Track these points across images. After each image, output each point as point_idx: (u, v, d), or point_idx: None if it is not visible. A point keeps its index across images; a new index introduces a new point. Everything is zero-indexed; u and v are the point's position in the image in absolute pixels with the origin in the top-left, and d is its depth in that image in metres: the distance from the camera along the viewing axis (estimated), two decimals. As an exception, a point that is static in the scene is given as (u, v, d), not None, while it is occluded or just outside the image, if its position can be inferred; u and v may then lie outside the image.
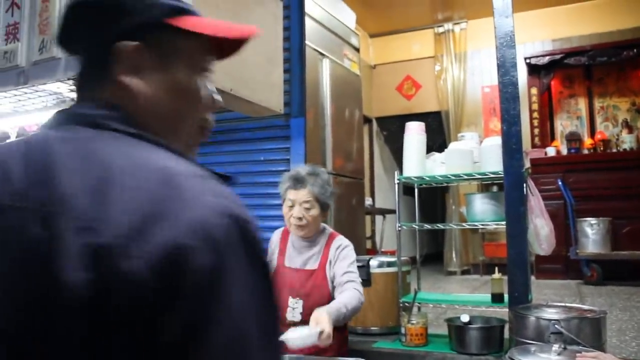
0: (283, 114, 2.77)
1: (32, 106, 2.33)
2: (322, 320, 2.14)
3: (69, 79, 1.84)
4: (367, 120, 8.29)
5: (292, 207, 2.61)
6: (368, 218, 7.06)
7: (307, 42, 4.33)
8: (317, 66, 4.67)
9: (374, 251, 6.86)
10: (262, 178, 4.22)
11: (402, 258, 3.86)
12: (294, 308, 2.53)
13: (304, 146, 4.04)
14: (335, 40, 5.19)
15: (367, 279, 3.83)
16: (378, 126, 9.08)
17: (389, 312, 3.89)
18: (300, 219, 2.59)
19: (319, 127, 4.65)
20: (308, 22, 4.41)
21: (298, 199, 2.60)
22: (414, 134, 3.74)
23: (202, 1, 1.83)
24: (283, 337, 2.02)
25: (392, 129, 8.92)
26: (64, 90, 2.03)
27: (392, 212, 6.97)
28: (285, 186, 2.66)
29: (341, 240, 2.74)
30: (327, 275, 2.63)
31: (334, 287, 2.60)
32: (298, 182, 2.61)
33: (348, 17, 5.59)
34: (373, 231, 7.62)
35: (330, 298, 2.57)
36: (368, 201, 6.64)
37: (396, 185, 3.81)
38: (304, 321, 2.44)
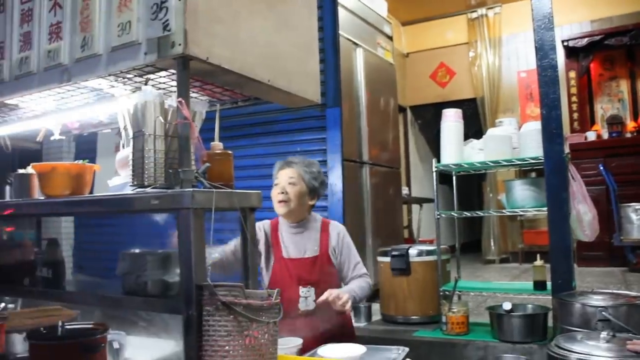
0: (319, 104, 2.76)
1: (74, 103, 2.38)
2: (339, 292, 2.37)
3: (109, 75, 1.87)
4: (401, 109, 8.22)
5: (277, 184, 2.64)
6: (404, 208, 7.02)
7: (340, 31, 4.31)
8: (350, 56, 4.65)
9: (411, 240, 6.82)
10: (299, 169, 4.23)
11: (441, 246, 3.83)
12: (306, 297, 2.53)
13: (340, 136, 4.04)
14: (368, 29, 5.15)
15: (406, 268, 3.82)
16: (412, 115, 8.99)
17: (429, 301, 3.87)
18: (282, 193, 2.60)
19: (354, 116, 4.64)
20: (341, 11, 4.40)
21: (284, 176, 2.64)
22: (451, 121, 3.69)
23: (237, -7, 1.83)
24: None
25: (426, 118, 8.83)
26: (104, 86, 2.07)
27: (429, 201, 6.92)
28: (276, 169, 2.71)
29: (338, 225, 2.76)
30: (333, 261, 2.65)
31: (342, 276, 2.67)
32: (286, 163, 2.69)
33: (380, 6, 5.55)
34: (409, 220, 7.57)
35: (339, 282, 2.64)
36: (404, 190, 6.60)
37: (434, 173, 3.77)
38: (318, 309, 2.51)
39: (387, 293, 4.03)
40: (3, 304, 2.70)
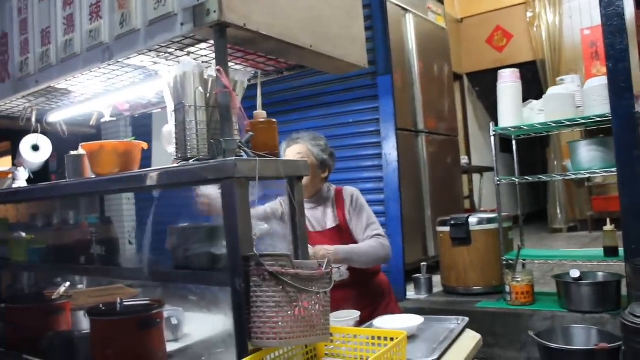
0: (369, 72, 2.69)
1: (121, 84, 2.39)
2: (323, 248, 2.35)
3: (150, 51, 1.86)
4: (457, 77, 7.98)
5: None
6: (465, 178, 6.83)
7: (387, -3, 4.18)
8: (400, 22, 4.51)
9: (472, 211, 6.64)
10: (352, 140, 4.17)
11: (503, 214, 3.68)
12: (339, 267, 2.49)
13: (393, 104, 3.93)
14: (418, -6, 4.98)
15: (466, 237, 3.70)
16: (469, 82, 8.71)
17: (491, 270, 3.75)
18: None
19: (408, 85, 4.51)
20: (387, -24, 4.25)
21: (292, 153, 2.61)
22: (508, 82, 3.52)
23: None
24: None
25: (484, 84, 8.53)
26: (147, 63, 2.06)
27: (490, 169, 6.71)
28: (283, 148, 2.67)
29: (349, 190, 2.70)
30: (350, 228, 2.63)
31: (356, 238, 2.62)
32: (293, 140, 2.67)
33: (430, -31, 5.35)
34: (470, 190, 7.37)
35: None
36: (464, 160, 6.42)
37: (492, 138, 3.61)
38: (353, 279, 2.52)
39: (447, 264, 3.93)
40: (68, 283, 2.79)
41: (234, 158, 1.43)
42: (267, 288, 1.41)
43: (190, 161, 1.55)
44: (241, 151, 1.53)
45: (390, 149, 4.07)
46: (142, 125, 4.80)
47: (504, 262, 3.55)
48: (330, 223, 2.65)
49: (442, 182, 4.93)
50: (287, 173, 1.63)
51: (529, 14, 7.89)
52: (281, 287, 1.41)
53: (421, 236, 4.59)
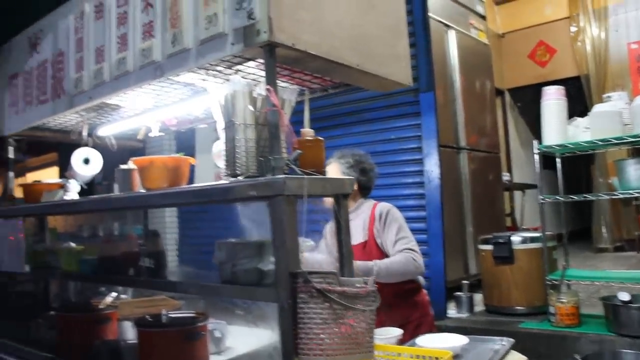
0: (412, 89, 2.69)
1: (169, 100, 2.46)
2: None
3: (199, 68, 1.91)
4: (498, 92, 7.88)
5: None
6: (506, 195, 6.73)
7: (430, 14, 4.18)
8: (442, 38, 4.50)
9: (514, 228, 6.52)
10: (394, 157, 4.16)
11: (547, 233, 3.61)
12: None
13: (436, 121, 3.92)
14: (460, 10, 4.97)
15: (509, 256, 3.65)
16: (511, 98, 8.60)
17: (535, 290, 3.67)
18: None
19: (449, 101, 4.49)
20: (429, -8, 4.26)
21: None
22: (553, 99, 3.46)
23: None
24: None
25: (526, 100, 8.40)
26: (196, 80, 2.11)
27: (532, 187, 6.59)
28: None
29: (382, 206, 2.70)
30: (378, 245, 2.62)
31: (386, 254, 2.60)
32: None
33: (471, -15, 5.33)
34: (512, 208, 7.25)
35: None
36: (506, 176, 6.32)
37: (536, 156, 3.56)
38: (385, 295, 2.47)
39: (489, 282, 3.87)
40: (115, 294, 2.86)
41: (283, 176, 1.46)
42: (315, 305, 1.42)
43: (239, 178, 1.58)
44: (289, 169, 1.55)
45: (432, 166, 4.05)
46: (186, 139, 4.89)
47: (548, 283, 3.47)
48: (359, 238, 2.65)
49: (484, 199, 4.87)
50: (333, 191, 1.65)
51: (573, 28, 7.76)
52: (328, 304, 1.42)
53: (462, 254, 4.54)
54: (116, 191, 2.51)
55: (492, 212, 5.14)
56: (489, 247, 3.81)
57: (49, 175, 9.47)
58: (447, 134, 4.34)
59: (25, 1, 3.81)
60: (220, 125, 1.75)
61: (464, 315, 3.91)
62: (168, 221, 5.65)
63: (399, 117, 4.14)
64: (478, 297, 4.08)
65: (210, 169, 2.64)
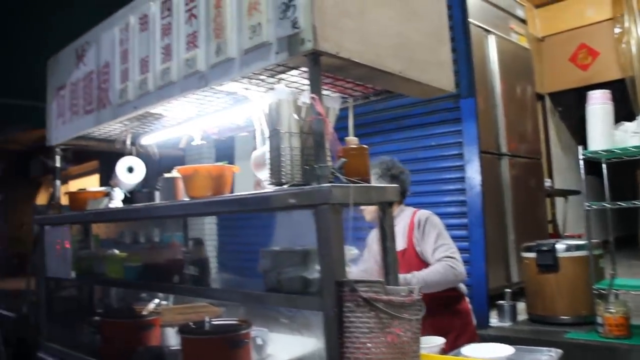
0: (452, 95, 2.67)
1: (212, 108, 2.49)
2: None
3: (243, 77, 1.92)
4: (538, 97, 7.73)
5: None
6: (547, 201, 6.58)
7: (469, 19, 4.14)
8: (482, 43, 4.44)
9: (556, 235, 6.37)
10: (434, 163, 4.13)
11: (593, 240, 3.52)
12: None
13: (477, 128, 3.87)
14: (500, 14, 4.90)
15: (553, 264, 3.56)
16: (551, 102, 8.42)
17: (581, 299, 3.58)
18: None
19: (490, 107, 4.42)
20: (468, -3, 4.22)
21: None
22: (599, 103, 3.38)
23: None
24: None
25: (567, 104, 8.22)
26: (239, 89, 2.13)
27: (575, 193, 6.43)
28: None
29: (421, 214, 2.67)
30: (417, 252, 2.59)
31: (426, 262, 2.57)
32: None
33: (510, -12, 5.25)
34: (553, 214, 7.09)
35: None
36: (547, 182, 6.19)
37: (581, 162, 3.47)
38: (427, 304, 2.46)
39: (533, 291, 3.79)
40: (157, 300, 2.90)
41: (329, 184, 1.46)
42: (361, 314, 1.41)
43: (285, 186, 1.58)
44: (334, 177, 1.55)
45: (473, 173, 3.99)
46: (225, 147, 4.95)
47: (595, 292, 3.37)
48: (398, 246, 2.62)
49: (525, 206, 4.78)
50: (378, 199, 1.64)
51: (617, 30, 7.56)
52: (374, 313, 1.41)
53: (504, 261, 4.45)
54: (157, 199, 2.55)
55: (534, 219, 5.04)
56: (533, 255, 3.73)
57: (91, 182, 9.70)
58: (487, 139, 4.28)
59: (71, 15, 3.93)
60: (264, 133, 1.76)
61: (507, 324, 3.84)
62: (207, 228, 5.71)
63: (439, 123, 4.11)
64: (521, 306, 4.00)
65: (250, 177, 2.66)
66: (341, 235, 1.47)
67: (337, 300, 1.43)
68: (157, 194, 2.56)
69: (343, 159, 1.58)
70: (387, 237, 1.70)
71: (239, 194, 1.79)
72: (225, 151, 4.81)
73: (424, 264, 2.58)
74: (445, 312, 2.59)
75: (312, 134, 1.60)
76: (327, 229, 1.44)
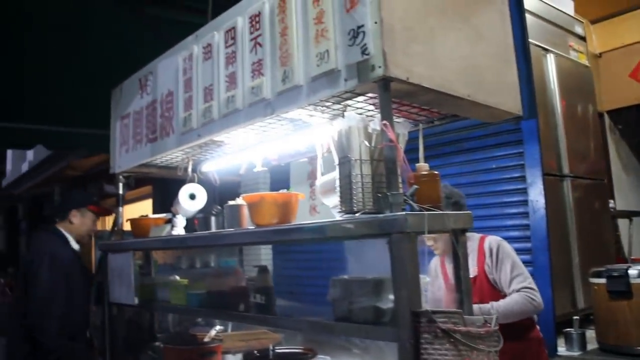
0: (513, 117, 2.59)
1: (274, 135, 2.49)
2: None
3: (309, 105, 1.92)
4: (597, 115, 7.51)
5: None
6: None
7: (529, 39, 4.06)
8: (541, 63, 4.35)
9: (621, 259, 6.11)
10: (496, 187, 4.03)
11: (669, 266, 3.34)
12: None
13: (539, 149, 3.76)
14: (558, 32, 4.79)
15: (626, 290, 3.40)
16: (610, 120, 8.16)
17: (657, 329, 3.38)
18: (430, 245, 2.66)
19: (551, 127, 4.30)
20: (527, 17, 4.14)
21: None
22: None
23: (429, 9, 1.78)
24: None
25: (628, 122, 7.94)
26: (303, 116, 2.12)
27: (639, 214, 6.18)
28: None
29: (491, 240, 2.62)
30: (490, 280, 2.53)
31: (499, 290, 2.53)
32: None
33: (567, 5, 5.14)
34: (617, 237, 6.80)
35: (500, 298, 2.49)
36: (610, 204, 5.96)
37: (652, 183, 3.32)
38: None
39: (603, 319, 3.61)
40: (218, 327, 2.91)
41: (404, 212, 1.43)
42: (440, 346, 1.37)
43: (357, 214, 1.56)
44: (407, 204, 1.52)
45: (536, 196, 3.87)
46: (280, 172, 4.95)
47: (673, 320, 3.19)
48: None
49: (590, 228, 4.59)
50: (452, 226, 1.59)
51: (679, 45, 7.30)
52: (453, 345, 1.36)
53: (569, 287, 4.28)
54: (213, 225, 2.56)
55: (599, 242, 4.84)
56: (603, 280, 3.56)
57: (144, 207, 9.92)
58: (549, 161, 4.15)
59: (135, 45, 4.05)
60: (328, 159, 1.75)
61: (576, 353, 3.66)
62: (263, 253, 5.72)
63: (500, 145, 4.01)
64: (589, 334, 3.82)
65: (305, 202, 2.65)
66: (416, 264, 1.43)
67: (414, 331, 1.39)
68: (212, 220, 2.57)
69: (415, 186, 1.55)
70: (460, 266, 1.65)
71: (310, 222, 1.78)
72: (280, 176, 4.78)
73: (496, 291, 2.51)
74: (518, 340, 2.50)
75: (383, 160, 1.57)
76: (402, 258, 1.41)
